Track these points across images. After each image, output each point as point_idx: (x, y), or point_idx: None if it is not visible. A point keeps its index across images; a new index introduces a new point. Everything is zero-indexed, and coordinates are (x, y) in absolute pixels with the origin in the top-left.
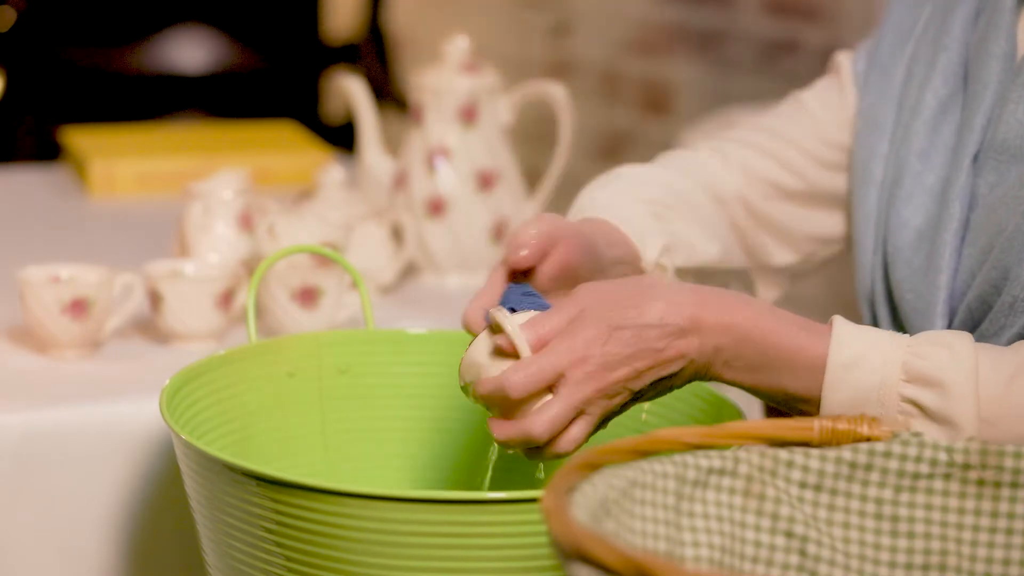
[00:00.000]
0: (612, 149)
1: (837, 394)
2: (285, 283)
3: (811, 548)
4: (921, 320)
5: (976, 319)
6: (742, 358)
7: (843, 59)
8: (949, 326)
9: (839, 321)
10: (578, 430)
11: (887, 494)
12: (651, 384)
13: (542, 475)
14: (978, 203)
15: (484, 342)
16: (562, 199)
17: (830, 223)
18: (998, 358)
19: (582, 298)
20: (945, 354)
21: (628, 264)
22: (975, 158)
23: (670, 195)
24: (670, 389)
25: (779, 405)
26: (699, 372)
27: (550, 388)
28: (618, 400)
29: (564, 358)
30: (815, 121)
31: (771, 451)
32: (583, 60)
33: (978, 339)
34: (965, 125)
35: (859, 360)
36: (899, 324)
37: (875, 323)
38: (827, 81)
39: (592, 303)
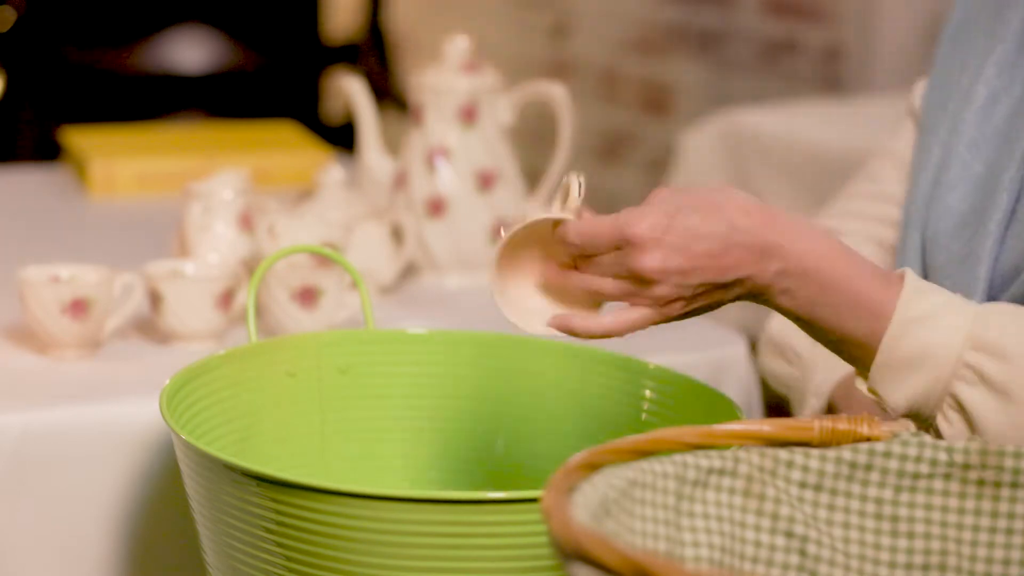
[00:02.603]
0: (612, 149)
1: (898, 346)
2: (285, 283)
3: (811, 548)
4: None
5: None
6: (806, 291)
7: (916, 102)
8: None
9: (911, 275)
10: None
11: (887, 494)
12: (703, 288)
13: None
14: None
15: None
16: None
17: None
18: None
19: (664, 197)
20: (1013, 326)
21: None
22: None
23: None
24: (719, 304)
25: (829, 346)
26: (753, 293)
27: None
28: (674, 293)
29: (642, 229)
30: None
31: (771, 451)
32: (583, 60)
33: None
34: (1020, 114)
35: (927, 317)
36: None
37: None
38: (910, 131)
39: (674, 202)
